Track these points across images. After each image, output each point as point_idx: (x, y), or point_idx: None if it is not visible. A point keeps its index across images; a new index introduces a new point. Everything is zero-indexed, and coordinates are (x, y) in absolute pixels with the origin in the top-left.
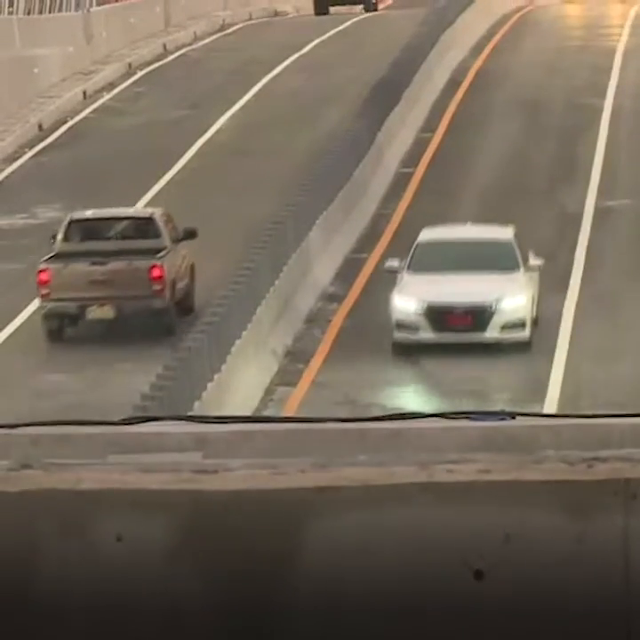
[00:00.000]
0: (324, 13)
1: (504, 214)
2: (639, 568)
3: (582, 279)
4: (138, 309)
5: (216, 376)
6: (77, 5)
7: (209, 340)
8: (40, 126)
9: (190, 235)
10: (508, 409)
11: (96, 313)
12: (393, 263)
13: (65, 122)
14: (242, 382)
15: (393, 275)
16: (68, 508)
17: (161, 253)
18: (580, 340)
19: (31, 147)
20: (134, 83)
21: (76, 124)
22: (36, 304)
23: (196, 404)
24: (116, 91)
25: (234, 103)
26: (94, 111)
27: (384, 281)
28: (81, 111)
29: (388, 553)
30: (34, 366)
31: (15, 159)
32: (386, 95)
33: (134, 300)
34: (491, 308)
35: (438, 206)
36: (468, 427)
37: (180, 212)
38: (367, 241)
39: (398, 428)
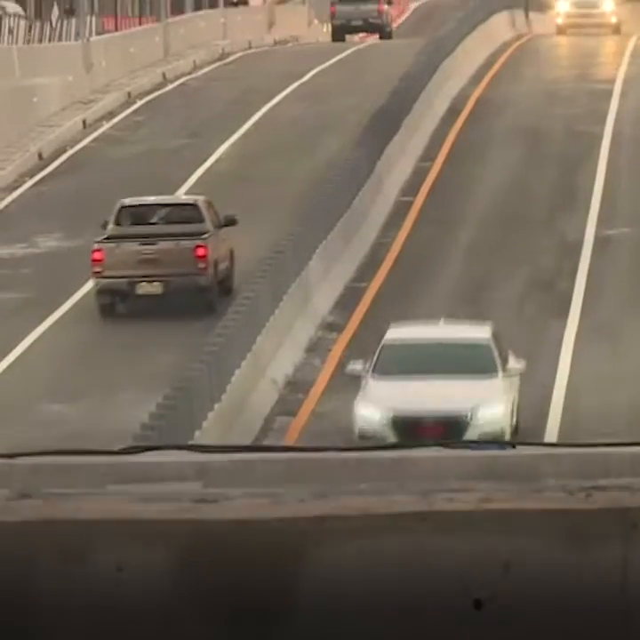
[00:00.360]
0: (341, 40)
1: (504, 243)
2: (638, 596)
3: (582, 307)
4: (184, 286)
5: (216, 405)
6: (77, 35)
7: (209, 369)
8: (40, 155)
9: (231, 222)
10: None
11: (145, 288)
12: (355, 366)
13: (65, 151)
14: (242, 411)
15: (356, 379)
16: (67, 537)
17: (205, 235)
18: (580, 368)
19: (31, 176)
20: (134, 112)
21: (75, 152)
22: (38, 332)
23: (197, 433)
24: (115, 120)
25: (233, 132)
26: (94, 140)
27: (384, 311)
28: (81, 140)
29: (389, 582)
30: (34, 395)
31: (15, 188)
32: (385, 124)
33: (180, 277)
34: (465, 417)
35: (438, 235)
36: (469, 456)
37: None
38: (367, 270)
39: (399, 458)
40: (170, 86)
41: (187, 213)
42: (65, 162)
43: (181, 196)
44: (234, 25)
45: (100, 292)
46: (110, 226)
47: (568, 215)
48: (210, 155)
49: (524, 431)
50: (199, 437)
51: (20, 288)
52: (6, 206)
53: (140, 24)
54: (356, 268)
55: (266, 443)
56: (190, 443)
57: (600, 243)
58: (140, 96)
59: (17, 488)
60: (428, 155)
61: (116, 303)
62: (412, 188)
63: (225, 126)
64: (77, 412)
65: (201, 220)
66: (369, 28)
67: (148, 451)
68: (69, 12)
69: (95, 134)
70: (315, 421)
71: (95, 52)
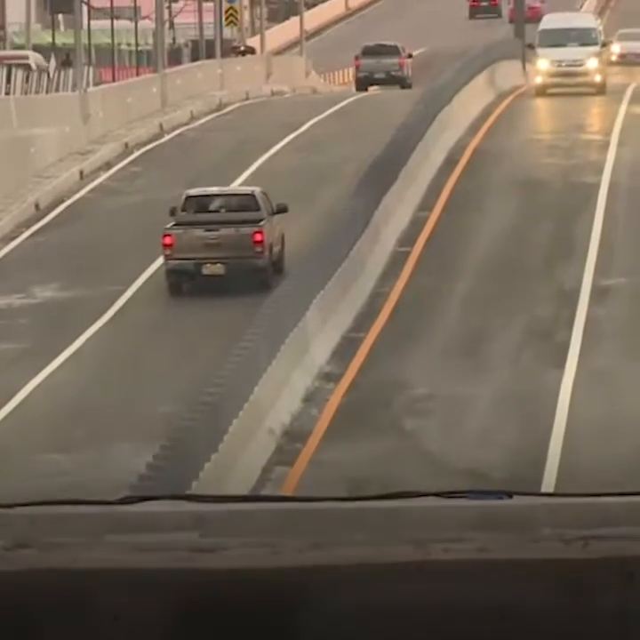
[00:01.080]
0: (364, 90)
1: (501, 292)
2: None
3: (579, 357)
4: (243, 267)
5: (213, 456)
6: (74, 85)
7: (206, 419)
8: (37, 206)
9: (282, 210)
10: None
11: (210, 269)
12: None
13: (62, 201)
14: (239, 462)
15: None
16: (64, 587)
17: (262, 222)
18: (578, 417)
19: (28, 226)
20: (131, 162)
21: (72, 203)
22: (34, 383)
23: (194, 483)
24: (112, 170)
25: (231, 182)
26: (91, 191)
27: (381, 361)
28: (78, 191)
29: (386, 632)
30: (30, 447)
31: (12, 239)
32: (383, 173)
33: (240, 259)
34: None
35: (435, 285)
36: (466, 506)
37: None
38: (364, 320)
39: (396, 507)
40: (167, 137)
41: (245, 202)
42: (62, 212)
43: (239, 187)
44: (231, 75)
45: (170, 272)
46: (178, 212)
47: (565, 264)
48: None
49: (522, 481)
50: (196, 487)
51: (17, 338)
52: (3, 257)
53: (138, 74)
54: (354, 318)
55: (263, 493)
56: (187, 493)
57: (597, 292)
58: (137, 146)
59: (14, 538)
60: (426, 204)
61: (183, 283)
62: (409, 237)
63: (222, 177)
64: (74, 463)
65: (257, 209)
66: (391, 80)
67: (145, 500)
68: (66, 63)
69: (92, 185)
70: (312, 471)
71: (92, 102)
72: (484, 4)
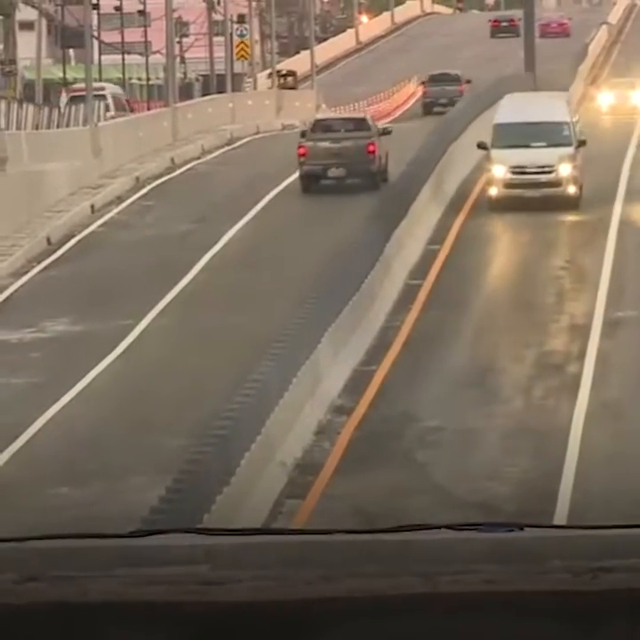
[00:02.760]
0: (430, 114)
1: (511, 325)
2: None
3: (591, 389)
4: (359, 170)
5: (225, 489)
6: (85, 120)
7: (218, 452)
8: (48, 240)
9: (387, 132)
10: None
11: (334, 172)
12: None
13: (73, 236)
14: (251, 495)
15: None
16: (74, 620)
17: (373, 138)
18: (590, 449)
19: (39, 261)
20: (142, 196)
21: (83, 237)
22: (46, 417)
23: (206, 516)
24: (123, 205)
25: (242, 217)
26: (102, 225)
27: (392, 394)
28: (89, 225)
29: None
30: (42, 481)
31: (24, 273)
32: (394, 207)
33: (357, 164)
34: None
35: (446, 318)
36: (476, 538)
37: (189, 326)
38: (376, 353)
39: (406, 540)
40: (178, 171)
41: (359, 124)
42: (73, 247)
43: (354, 113)
44: (242, 109)
45: (303, 176)
46: (308, 131)
47: (576, 298)
48: (218, 239)
49: (532, 513)
50: (208, 520)
51: (28, 373)
52: (15, 291)
53: (149, 108)
54: (365, 352)
55: (275, 526)
56: (198, 526)
57: (608, 325)
58: (149, 181)
59: (24, 571)
60: (437, 238)
61: (313, 183)
62: (420, 270)
63: (233, 211)
64: (86, 496)
65: (368, 129)
66: (453, 104)
67: (156, 534)
68: (74, 98)
69: (103, 219)
70: (324, 504)
71: (103, 136)
72: (504, 24)
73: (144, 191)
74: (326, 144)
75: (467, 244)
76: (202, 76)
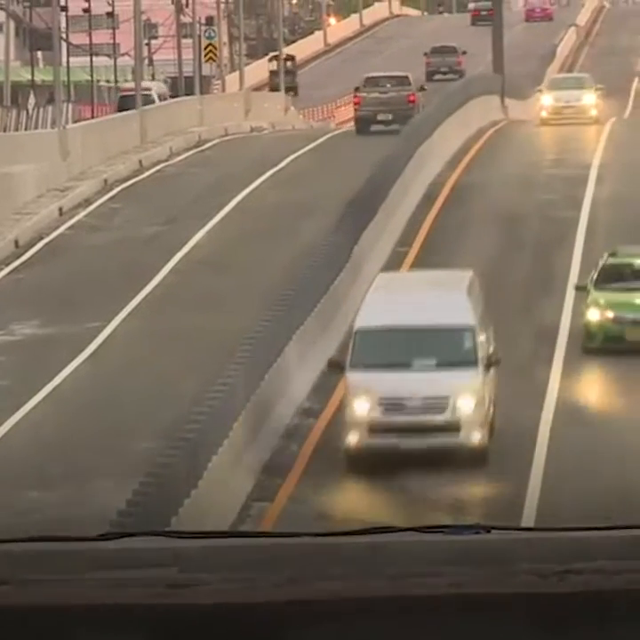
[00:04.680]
0: (432, 80)
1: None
2: None
3: (558, 394)
4: (402, 115)
5: (193, 492)
6: (53, 122)
7: (186, 455)
8: (16, 243)
9: (423, 88)
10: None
11: (382, 117)
12: None
13: (41, 238)
14: (219, 498)
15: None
16: (43, 624)
17: (413, 90)
18: (557, 454)
19: (7, 263)
20: (110, 199)
21: (52, 240)
22: (13, 421)
23: (174, 519)
24: (91, 207)
25: (210, 218)
26: (70, 227)
27: None
28: (57, 227)
29: None
30: (10, 484)
31: None
32: (362, 209)
33: (400, 111)
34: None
35: None
36: (443, 540)
37: (158, 329)
38: (343, 355)
39: (373, 543)
40: (146, 173)
41: (401, 80)
42: (41, 249)
43: (399, 71)
44: (210, 111)
45: (357, 119)
46: (361, 88)
47: (545, 300)
48: (186, 241)
49: (500, 514)
50: (176, 524)
51: None
52: None
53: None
54: (333, 354)
55: (243, 528)
56: (166, 529)
57: (577, 327)
58: (117, 183)
59: None
60: (405, 240)
61: (365, 126)
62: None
63: (201, 213)
64: (54, 499)
65: (409, 84)
66: (452, 72)
67: (124, 537)
68: (51, 100)
69: (71, 222)
70: (292, 507)
71: (71, 139)
72: (484, 13)
73: (112, 194)
74: (376, 94)
75: None
76: (170, 78)
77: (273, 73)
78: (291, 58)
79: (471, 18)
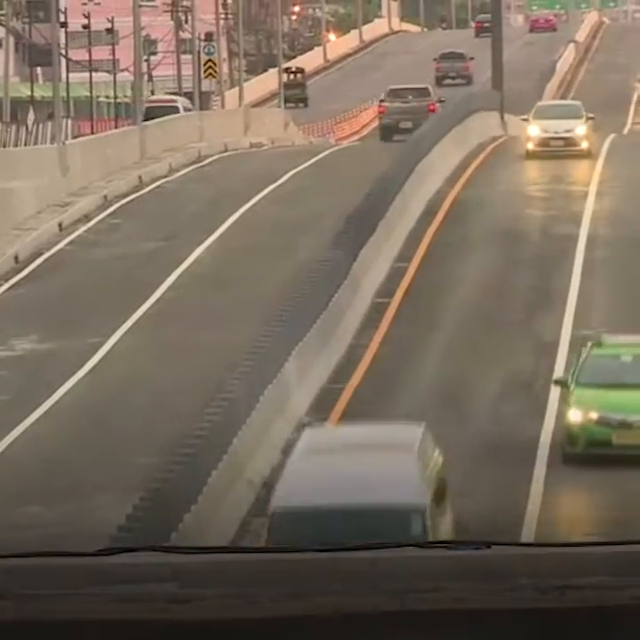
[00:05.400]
0: (442, 85)
1: (480, 344)
2: None
3: (559, 407)
4: (422, 123)
5: (193, 507)
6: (53, 138)
7: (186, 471)
8: (16, 258)
9: (441, 100)
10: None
11: (404, 125)
12: None
13: (41, 254)
14: (219, 513)
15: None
16: (42, 639)
17: (432, 100)
18: (556, 469)
19: (7, 279)
20: (110, 214)
21: (51, 255)
22: (13, 436)
23: (173, 534)
24: (91, 222)
25: (210, 234)
26: (70, 243)
27: (360, 411)
28: (57, 243)
29: None
30: (10, 499)
31: None
32: (361, 225)
33: (421, 119)
34: None
35: (414, 336)
36: (444, 556)
37: (157, 344)
38: (343, 371)
39: (373, 558)
40: (146, 189)
41: (422, 91)
42: (41, 265)
43: (419, 83)
44: (210, 127)
45: (382, 127)
46: (385, 98)
47: (545, 315)
48: (186, 257)
49: (502, 531)
50: (176, 539)
51: None
52: None
53: (117, 127)
54: (333, 370)
55: (242, 544)
56: (166, 544)
57: (576, 342)
58: (117, 199)
59: None
60: (405, 256)
61: (389, 134)
62: (388, 289)
63: (201, 228)
64: (54, 515)
65: (429, 95)
66: (461, 77)
67: (124, 552)
68: (51, 116)
69: (71, 237)
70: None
71: (71, 155)
72: (487, 25)
73: (112, 209)
74: (398, 104)
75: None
76: (169, 93)
77: (285, 85)
78: (300, 70)
79: (475, 30)
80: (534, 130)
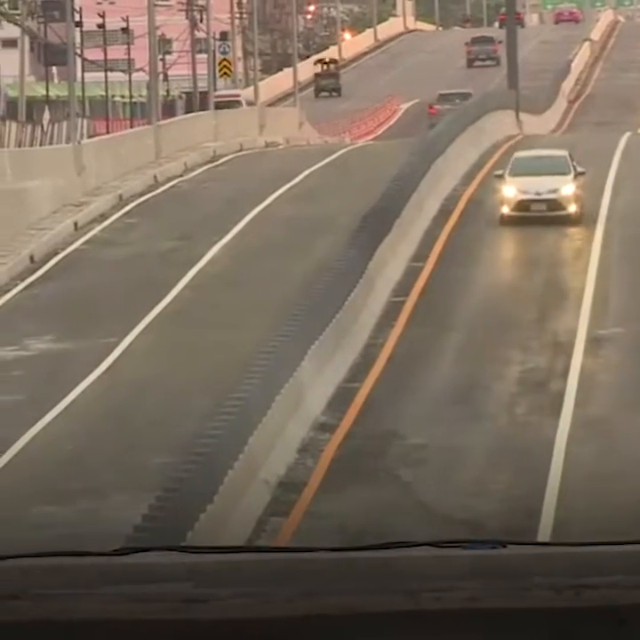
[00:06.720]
0: (472, 66)
1: (495, 343)
2: None
3: (574, 407)
4: None
5: (208, 507)
6: (68, 137)
7: (201, 470)
8: (32, 258)
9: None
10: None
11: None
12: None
13: (56, 253)
14: (235, 513)
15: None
16: (56, 639)
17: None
18: (573, 467)
19: (23, 279)
20: (125, 214)
21: (67, 255)
22: (29, 435)
23: (189, 534)
24: (106, 222)
25: (225, 233)
26: (85, 242)
27: (376, 411)
28: (72, 243)
29: None
30: (26, 499)
31: (7, 291)
32: (377, 224)
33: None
34: None
35: (430, 335)
36: (459, 555)
37: (173, 344)
38: (359, 370)
39: (388, 557)
40: (161, 188)
41: (466, 95)
42: (56, 264)
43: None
44: (225, 127)
45: (433, 127)
46: (436, 101)
47: (560, 315)
48: (201, 256)
49: (516, 530)
50: (192, 538)
51: (11, 390)
52: None
53: (132, 126)
54: (349, 369)
55: (258, 544)
56: (181, 544)
57: (592, 342)
58: (132, 198)
59: (7, 589)
60: (420, 255)
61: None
62: (403, 288)
63: (216, 228)
64: (70, 514)
65: (472, 97)
66: (490, 59)
67: (139, 552)
68: (68, 116)
69: (86, 237)
70: (308, 522)
71: (86, 154)
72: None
73: (127, 209)
74: (447, 106)
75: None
76: (185, 93)
77: (318, 75)
78: (334, 61)
79: (500, 22)
80: (510, 190)
